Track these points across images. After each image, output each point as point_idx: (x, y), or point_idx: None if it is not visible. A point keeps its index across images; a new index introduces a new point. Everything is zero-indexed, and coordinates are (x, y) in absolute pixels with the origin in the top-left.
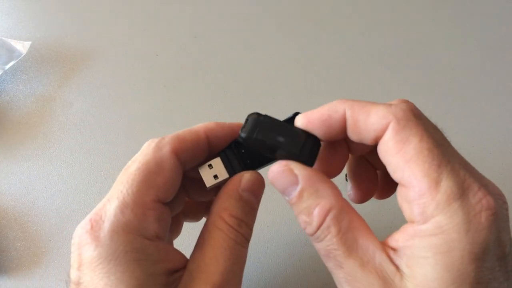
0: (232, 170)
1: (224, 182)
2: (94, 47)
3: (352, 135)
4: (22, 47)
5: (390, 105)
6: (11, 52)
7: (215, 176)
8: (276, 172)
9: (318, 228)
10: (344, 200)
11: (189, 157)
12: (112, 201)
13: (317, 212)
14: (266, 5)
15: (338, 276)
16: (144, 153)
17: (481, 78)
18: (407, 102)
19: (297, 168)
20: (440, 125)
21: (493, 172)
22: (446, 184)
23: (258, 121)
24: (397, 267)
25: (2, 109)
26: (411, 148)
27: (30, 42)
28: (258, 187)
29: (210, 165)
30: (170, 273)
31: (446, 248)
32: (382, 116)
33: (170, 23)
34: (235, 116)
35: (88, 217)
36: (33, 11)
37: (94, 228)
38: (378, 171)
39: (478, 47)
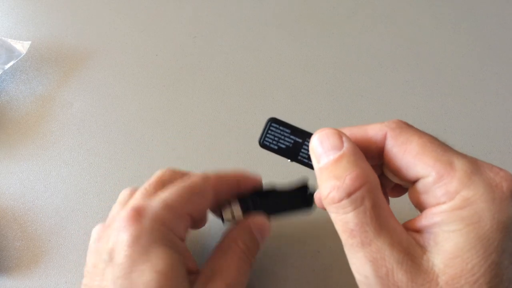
0: (247, 214)
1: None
2: (94, 47)
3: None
4: (21, 47)
5: (383, 122)
6: (10, 52)
7: (233, 217)
8: (325, 133)
9: (349, 195)
10: (379, 180)
11: (220, 196)
12: (156, 200)
13: (352, 177)
14: (266, 5)
15: (360, 255)
16: (195, 176)
17: (481, 78)
18: (397, 119)
19: (346, 136)
20: (440, 125)
21: None
22: (461, 163)
23: (273, 127)
24: (422, 246)
25: (2, 109)
26: (414, 145)
27: (29, 42)
28: (265, 229)
29: (231, 208)
30: (188, 272)
31: (476, 218)
32: (378, 129)
33: (170, 23)
34: (235, 116)
35: (128, 207)
36: (33, 11)
37: (138, 215)
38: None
39: (478, 47)
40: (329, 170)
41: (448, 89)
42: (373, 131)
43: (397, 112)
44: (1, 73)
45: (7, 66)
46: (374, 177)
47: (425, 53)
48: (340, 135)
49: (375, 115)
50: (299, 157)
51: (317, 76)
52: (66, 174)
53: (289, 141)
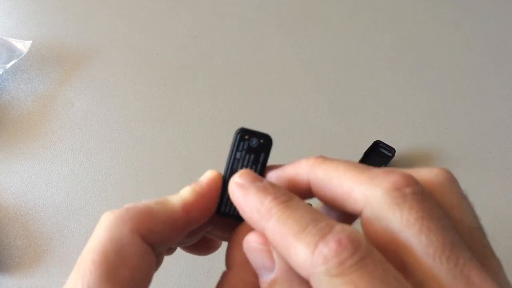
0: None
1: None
2: (95, 46)
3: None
4: (23, 46)
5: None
6: (12, 51)
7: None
8: (253, 247)
9: None
10: None
11: (160, 239)
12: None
13: None
14: (266, 5)
15: None
16: (98, 235)
17: (481, 78)
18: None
19: (277, 253)
20: (440, 125)
21: (493, 171)
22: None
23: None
24: None
25: (3, 108)
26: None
27: (31, 41)
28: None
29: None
30: None
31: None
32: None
33: (171, 23)
34: (235, 115)
35: None
36: (34, 11)
37: None
38: None
39: (478, 47)
40: None
41: (449, 89)
42: (299, 170)
43: (397, 112)
44: (2, 73)
45: (8, 66)
46: None
47: (426, 53)
48: (270, 253)
49: (375, 115)
50: None
51: (317, 76)
52: (67, 173)
53: None
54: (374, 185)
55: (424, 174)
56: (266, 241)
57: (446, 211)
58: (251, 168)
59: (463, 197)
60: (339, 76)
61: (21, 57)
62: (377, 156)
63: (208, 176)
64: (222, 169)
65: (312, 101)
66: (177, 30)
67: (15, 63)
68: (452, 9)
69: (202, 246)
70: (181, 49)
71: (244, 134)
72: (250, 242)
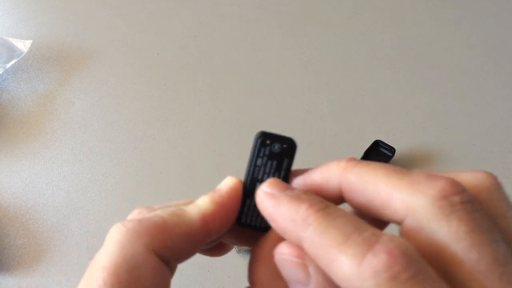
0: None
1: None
2: (95, 46)
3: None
4: (23, 46)
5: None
6: (12, 51)
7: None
8: (285, 260)
9: None
10: None
11: (176, 255)
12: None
13: None
14: (266, 5)
15: None
16: (109, 250)
17: (481, 78)
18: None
19: (313, 267)
20: (440, 124)
21: (493, 171)
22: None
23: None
24: None
25: (3, 108)
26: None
27: (31, 41)
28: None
29: None
30: None
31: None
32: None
33: (171, 23)
34: (235, 115)
35: None
36: (34, 10)
37: None
38: None
39: (478, 47)
40: None
41: (449, 88)
42: (328, 175)
43: (397, 112)
44: (3, 72)
45: (8, 65)
46: None
47: (426, 53)
48: (306, 266)
49: (375, 115)
50: None
51: (317, 76)
52: (67, 173)
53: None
54: (418, 193)
55: (469, 178)
56: (300, 253)
57: (495, 221)
58: (273, 175)
59: (510, 205)
60: (339, 76)
61: (21, 56)
62: (377, 155)
63: (228, 184)
64: (226, 170)
65: (312, 101)
66: (177, 30)
67: (15, 63)
68: (452, 9)
69: (213, 249)
70: (181, 49)
71: (265, 139)
72: (282, 254)
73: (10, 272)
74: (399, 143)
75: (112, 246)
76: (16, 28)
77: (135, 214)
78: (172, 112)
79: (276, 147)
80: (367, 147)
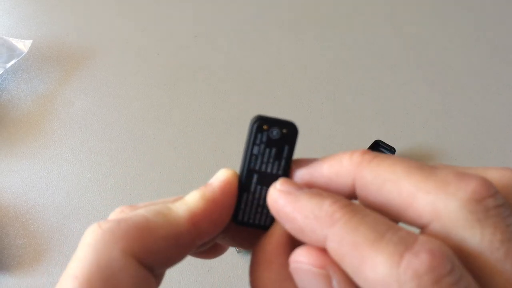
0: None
1: None
2: (95, 46)
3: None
4: (23, 45)
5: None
6: (12, 50)
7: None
8: (304, 270)
9: None
10: None
11: (161, 260)
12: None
13: None
14: (266, 5)
15: None
16: (82, 256)
17: (481, 78)
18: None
19: (337, 279)
20: (441, 124)
21: None
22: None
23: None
24: None
25: (4, 108)
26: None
27: (31, 41)
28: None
29: None
30: None
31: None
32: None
33: (171, 23)
34: (235, 115)
35: None
36: (34, 10)
37: None
38: None
39: (479, 47)
40: None
41: (449, 88)
42: (340, 169)
43: (397, 112)
44: (3, 72)
45: (8, 65)
46: None
47: (426, 53)
48: (329, 278)
49: (376, 114)
50: None
51: (318, 75)
52: (67, 173)
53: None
54: (447, 195)
55: (496, 177)
56: (322, 262)
57: None
58: (272, 165)
59: None
60: (339, 76)
61: (21, 56)
62: None
63: (221, 177)
64: (226, 167)
65: (312, 101)
66: (177, 30)
67: (15, 63)
68: (452, 9)
69: (206, 251)
70: (181, 49)
71: (262, 124)
72: (300, 263)
73: (10, 272)
74: (399, 143)
75: (84, 252)
76: (16, 28)
77: (117, 214)
78: (172, 112)
79: (275, 132)
80: (367, 147)
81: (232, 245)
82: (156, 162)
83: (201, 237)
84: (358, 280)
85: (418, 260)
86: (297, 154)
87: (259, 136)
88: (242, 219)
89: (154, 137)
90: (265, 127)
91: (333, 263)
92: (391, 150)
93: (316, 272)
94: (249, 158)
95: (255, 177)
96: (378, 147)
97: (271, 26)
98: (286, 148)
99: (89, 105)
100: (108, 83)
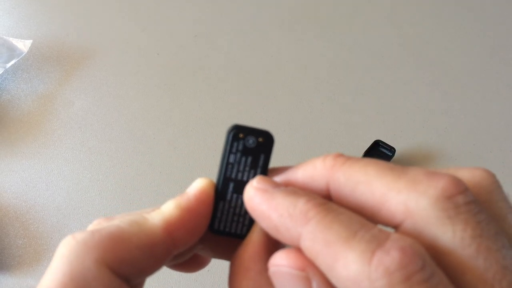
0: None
1: None
2: (95, 46)
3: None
4: (23, 45)
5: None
6: (12, 50)
7: None
8: (284, 273)
9: None
10: None
11: (136, 269)
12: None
13: None
14: (266, 5)
15: None
16: (55, 267)
17: (481, 78)
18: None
19: (317, 281)
20: (440, 124)
21: (494, 170)
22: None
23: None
24: None
25: (3, 108)
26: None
27: (31, 41)
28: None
29: None
30: None
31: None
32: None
33: (171, 22)
34: (235, 115)
35: None
36: (34, 10)
37: None
38: None
39: (479, 47)
40: None
41: (449, 88)
42: (314, 173)
43: (397, 112)
44: (3, 72)
45: (8, 65)
46: None
47: (426, 52)
48: (308, 280)
49: (376, 114)
50: None
51: (318, 75)
52: (67, 172)
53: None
54: (417, 193)
55: (467, 176)
56: (302, 264)
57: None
58: (249, 173)
59: (510, 206)
60: (339, 76)
61: (21, 56)
62: (377, 155)
63: (197, 186)
64: (203, 177)
65: (312, 101)
66: (178, 29)
67: (15, 63)
68: (452, 9)
69: (188, 264)
70: (181, 49)
71: (238, 132)
72: (279, 266)
73: (10, 272)
74: (399, 143)
75: (58, 263)
76: (16, 28)
77: (94, 226)
78: (172, 112)
79: (251, 141)
80: (367, 147)
81: (213, 257)
82: (156, 162)
83: (177, 247)
84: (332, 278)
85: (389, 257)
86: (297, 154)
87: (235, 144)
88: (218, 228)
89: (154, 137)
90: (241, 135)
91: (312, 265)
92: (391, 150)
93: (296, 274)
94: (225, 166)
95: (231, 185)
96: (378, 147)
97: (271, 26)
98: (262, 157)
99: (89, 105)
100: (108, 83)
